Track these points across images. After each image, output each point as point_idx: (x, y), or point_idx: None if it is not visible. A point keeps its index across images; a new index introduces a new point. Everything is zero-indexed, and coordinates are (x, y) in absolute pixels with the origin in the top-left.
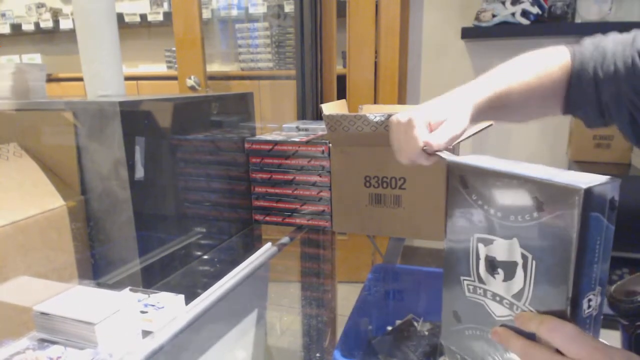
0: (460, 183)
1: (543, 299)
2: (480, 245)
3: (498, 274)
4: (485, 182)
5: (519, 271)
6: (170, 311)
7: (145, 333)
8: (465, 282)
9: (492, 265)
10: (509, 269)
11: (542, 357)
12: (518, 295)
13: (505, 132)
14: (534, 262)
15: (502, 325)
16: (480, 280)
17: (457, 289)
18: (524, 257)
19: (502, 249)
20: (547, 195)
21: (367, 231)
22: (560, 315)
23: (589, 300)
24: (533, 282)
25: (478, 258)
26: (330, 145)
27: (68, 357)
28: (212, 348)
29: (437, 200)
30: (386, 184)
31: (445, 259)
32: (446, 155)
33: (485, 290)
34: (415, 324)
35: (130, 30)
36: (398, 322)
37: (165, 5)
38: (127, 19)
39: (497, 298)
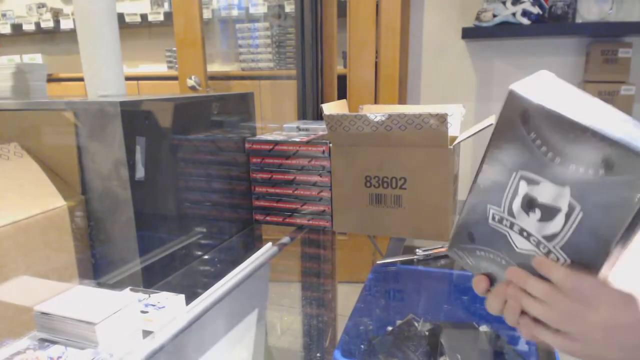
0: (521, 117)
1: (578, 248)
2: (523, 182)
3: (534, 213)
4: (554, 126)
5: (560, 217)
6: (170, 311)
7: (146, 333)
8: (492, 211)
9: (531, 204)
10: (549, 213)
11: (566, 307)
12: (550, 237)
13: None
14: (581, 213)
15: (516, 265)
16: (511, 213)
17: (480, 214)
18: (571, 206)
19: (549, 192)
20: (622, 159)
21: (368, 231)
22: (591, 266)
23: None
24: (572, 230)
25: (515, 193)
26: (331, 145)
27: (68, 357)
28: (212, 348)
29: (437, 200)
30: (386, 184)
31: (475, 185)
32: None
33: (512, 223)
34: (416, 324)
35: (130, 30)
36: (398, 322)
37: (166, 5)
38: (127, 19)
39: (525, 233)
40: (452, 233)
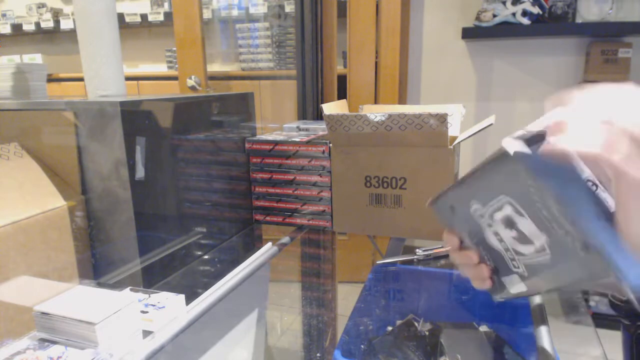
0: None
1: (537, 273)
2: (508, 206)
3: (511, 231)
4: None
5: (531, 247)
6: (170, 311)
7: (146, 333)
8: (475, 204)
9: (511, 224)
10: (524, 239)
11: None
12: (518, 253)
13: (506, 132)
14: (548, 258)
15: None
16: (491, 218)
17: (464, 203)
18: (542, 248)
19: (528, 228)
20: (603, 264)
21: (368, 231)
22: (543, 288)
23: None
24: (537, 262)
25: (499, 209)
26: (331, 145)
27: (69, 357)
28: (212, 348)
29: None
30: (387, 184)
31: (466, 180)
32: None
33: (490, 224)
34: (416, 324)
35: (130, 30)
36: (398, 322)
37: (166, 5)
38: (127, 19)
39: (498, 237)
40: (440, 193)
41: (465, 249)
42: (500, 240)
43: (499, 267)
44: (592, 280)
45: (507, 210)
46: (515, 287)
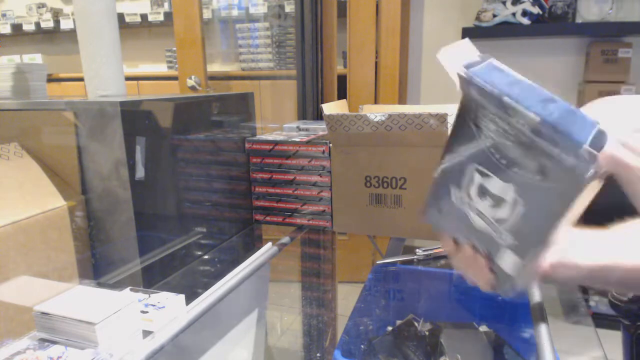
0: (474, 122)
1: (521, 233)
2: (477, 175)
3: (487, 200)
4: (499, 131)
5: (506, 206)
6: (170, 311)
7: (146, 333)
8: (453, 191)
9: (484, 192)
10: (498, 201)
11: None
12: (500, 221)
13: None
14: (522, 206)
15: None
16: (469, 197)
17: (444, 193)
18: (515, 200)
19: (497, 186)
20: (556, 172)
21: (368, 231)
22: (533, 245)
23: None
24: (516, 218)
25: (471, 182)
26: (331, 145)
27: (69, 357)
28: (212, 348)
29: None
30: (387, 184)
31: (440, 171)
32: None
33: (470, 205)
34: (416, 324)
35: (130, 30)
36: (398, 322)
37: (166, 5)
38: (127, 19)
39: (481, 215)
40: (425, 202)
41: (459, 246)
42: (483, 216)
43: (490, 250)
44: (566, 199)
45: (477, 179)
46: (510, 262)
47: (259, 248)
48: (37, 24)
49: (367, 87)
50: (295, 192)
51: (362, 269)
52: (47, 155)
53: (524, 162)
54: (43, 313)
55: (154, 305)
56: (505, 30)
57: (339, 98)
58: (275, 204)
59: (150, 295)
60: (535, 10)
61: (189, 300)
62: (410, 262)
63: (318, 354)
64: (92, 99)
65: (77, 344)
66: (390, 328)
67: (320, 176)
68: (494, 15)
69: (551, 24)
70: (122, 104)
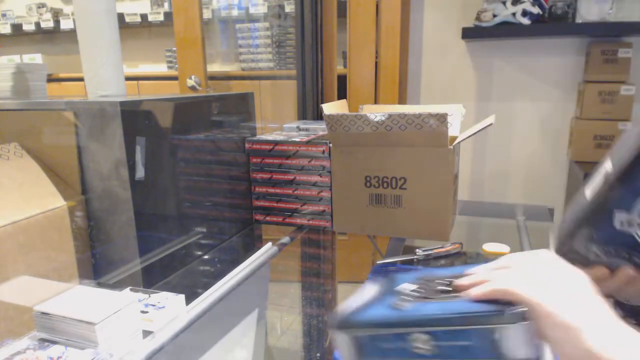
0: None
1: None
2: None
3: None
4: None
5: None
6: (170, 311)
7: (146, 333)
8: (619, 217)
9: None
10: None
11: None
12: None
13: (506, 132)
14: None
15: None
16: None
17: (603, 226)
18: None
19: None
20: None
21: (368, 231)
22: None
23: None
24: None
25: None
26: (331, 145)
27: (69, 357)
28: (212, 348)
29: (437, 200)
30: (386, 184)
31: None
32: None
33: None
34: None
35: (130, 30)
36: None
37: (166, 5)
38: (127, 19)
39: None
40: (560, 243)
41: (614, 270)
42: None
43: None
44: None
45: None
46: None
47: (259, 248)
48: (37, 24)
49: (367, 87)
50: (295, 192)
51: (362, 269)
52: (47, 155)
53: None
54: (43, 313)
55: (154, 305)
56: (505, 30)
57: (339, 98)
58: (275, 204)
59: (150, 295)
60: (535, 10)
61: (189, 300)
62: (410, 262)
63: (318, 354)
64: (92, 99)
65: (77, 344)
66: None
67: (320, 176)
68: (494, 15)
69: (551, 24)
70: (122, 104)
